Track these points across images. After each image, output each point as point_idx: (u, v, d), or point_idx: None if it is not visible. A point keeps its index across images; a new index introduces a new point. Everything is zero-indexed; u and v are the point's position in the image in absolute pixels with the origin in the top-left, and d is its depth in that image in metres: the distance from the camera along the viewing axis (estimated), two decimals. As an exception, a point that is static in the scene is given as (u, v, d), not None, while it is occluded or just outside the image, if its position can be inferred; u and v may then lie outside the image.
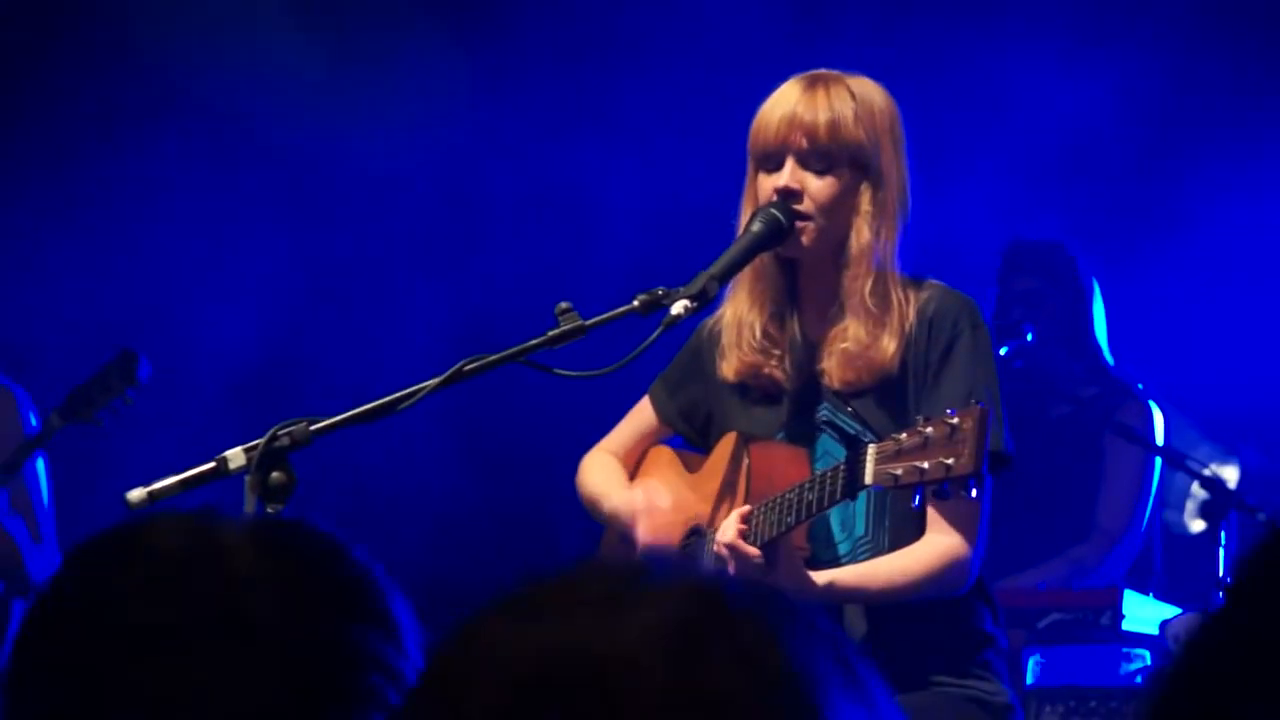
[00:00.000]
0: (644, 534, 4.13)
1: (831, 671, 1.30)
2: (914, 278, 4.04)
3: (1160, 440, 6.13)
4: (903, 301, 3.98)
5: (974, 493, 3.64)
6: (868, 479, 3.65)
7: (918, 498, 3.67)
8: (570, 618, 1.30)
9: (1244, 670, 1.25)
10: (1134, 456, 6.11)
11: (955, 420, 3.57)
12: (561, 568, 1.35)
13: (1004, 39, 6.86)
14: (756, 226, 3.97)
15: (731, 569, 3.82)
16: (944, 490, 3.60)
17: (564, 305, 3.77)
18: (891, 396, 3.97)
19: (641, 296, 3.86)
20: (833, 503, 3.73)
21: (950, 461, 3.55)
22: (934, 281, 4.06)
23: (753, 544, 3.86)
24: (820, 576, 3.86)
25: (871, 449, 3.66)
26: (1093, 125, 6.81)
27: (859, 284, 3.97)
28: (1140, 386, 6.25)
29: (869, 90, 4.04)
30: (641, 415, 4.35)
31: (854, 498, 3.75)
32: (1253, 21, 6.78)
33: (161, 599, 1.61)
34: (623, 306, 3.85)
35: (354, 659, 1.62)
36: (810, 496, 3.75)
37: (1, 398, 5.91)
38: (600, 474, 4.33)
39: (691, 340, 4.25)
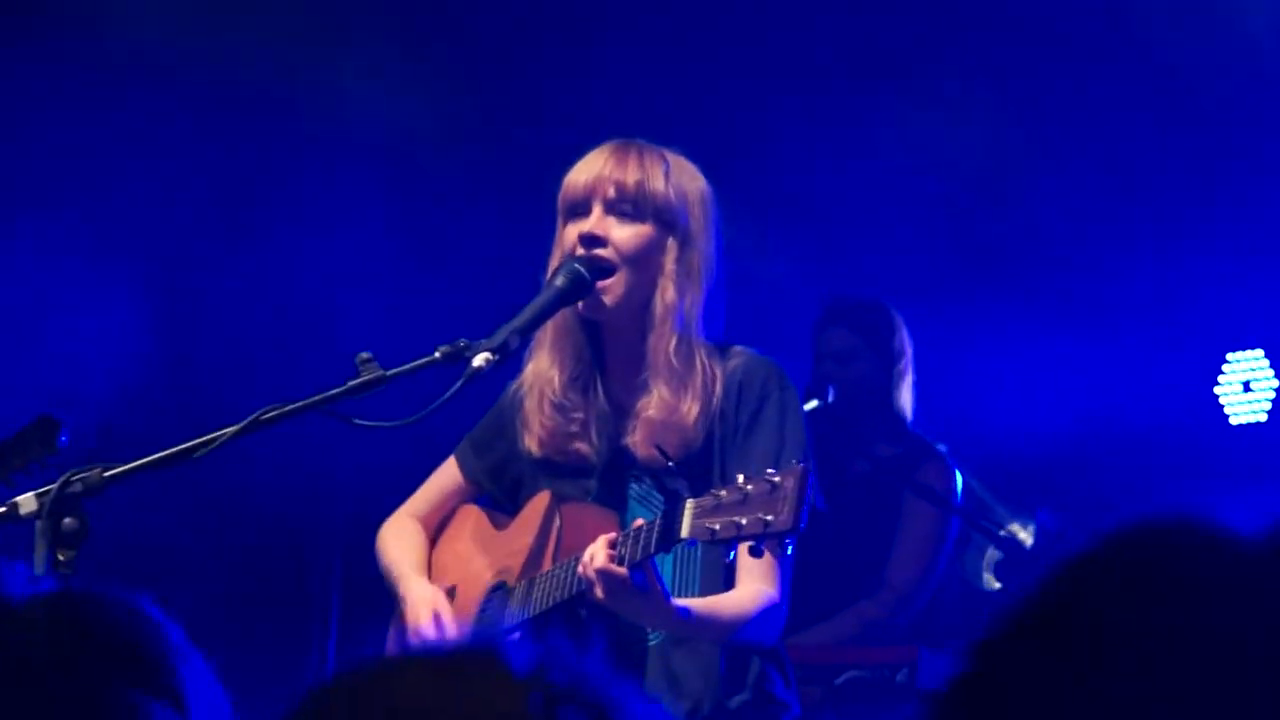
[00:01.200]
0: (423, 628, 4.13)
1: None
2: (721, 345, 4.07)
3: (959, 499, 6.20)
4: (708, 367, 4.01)
5: (789, 549, 3.68)
6: (684, 532, 3.67)
7: (732, 553, 3.69)
8: None
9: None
10: (930, 515, 6.18)
11: (777, 479, 3.60)
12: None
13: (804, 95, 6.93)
14: (559, 280, 3.99)
15: (599, 592, 3.77)
16: (758, 548, 3.63)
17: (365, 355, 3.76)
18: (697, 472, 3.99)
19: (443, 348, 3.86)
20: (647, 555, 3.74)
21: (769, 518, 3.58)
22: (741, 348, 4.09)
23: (561, 595, 3.87)
24: (677, 602, 3.85)
25: (690, 503, 3.68)
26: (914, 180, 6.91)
27: (663, 344, 3.99)
28: (942, 448, 6.32)
29: (682, 162, 4.10)
30: (447, 474, 4.34)
31: (668, 550, 3.77)
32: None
33: None
34: (424, 358, 3.85)
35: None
36: (622, 551, 3.76)
37: None
38: (398, 548, 4.31)
39: (500, 401, 4.25)
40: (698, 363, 4.00)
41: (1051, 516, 6.44)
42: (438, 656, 1.44)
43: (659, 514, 3.75)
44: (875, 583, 6.18)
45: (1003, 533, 6.07)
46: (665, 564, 3.99)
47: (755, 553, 3.65)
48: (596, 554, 3.77)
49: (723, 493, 3.65)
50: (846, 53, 6.88)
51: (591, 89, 6.82)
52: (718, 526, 3.63)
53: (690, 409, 3.98)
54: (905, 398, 6.26)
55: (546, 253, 4.12)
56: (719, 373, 4.01)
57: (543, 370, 4.10)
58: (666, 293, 4.00)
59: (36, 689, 1.58)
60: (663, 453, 3.93)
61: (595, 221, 4.01)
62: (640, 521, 3.78)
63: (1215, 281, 6.79)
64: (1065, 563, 1.38)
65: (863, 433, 6.28)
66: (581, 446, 4.08)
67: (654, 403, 3.99)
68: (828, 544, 6.06)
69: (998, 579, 6.15)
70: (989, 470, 6.53)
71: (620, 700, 1.40)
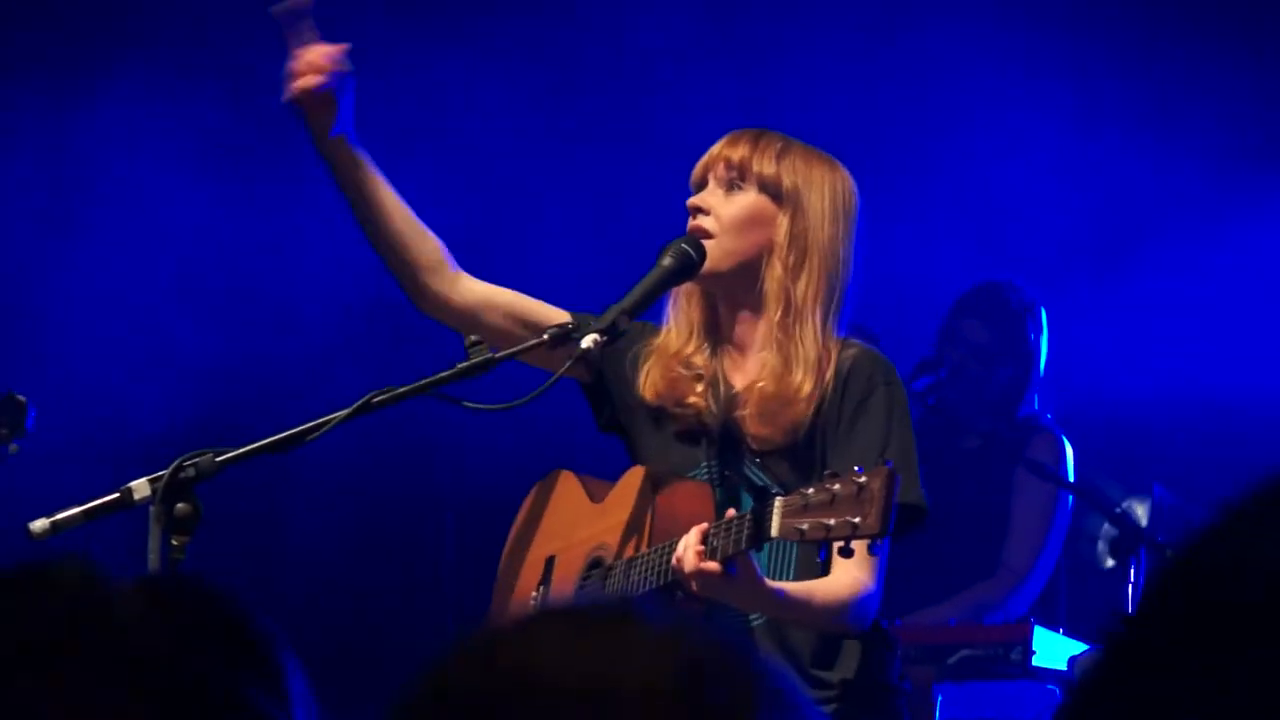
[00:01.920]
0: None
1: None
2: (838, 338, 4.05)
3: (1071, 476, 6.16)
4: (822, 349, 3.99)
5: (877, 551, 3.69)
6: (774, 532, 3.65)
7: (822, 553, 3.68)
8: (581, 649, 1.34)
9: (1143, 696, 1.26)
10: (1044, 493, 6.14)
11: (863, 479, 3.58)
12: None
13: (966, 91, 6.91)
14: (666, 260, 3.98)
15: (695, 588, 3.76)
16: (847, 549, 3.61)
17: (473, 338, 3.76)
18: (803, 454, 3.98)
19: (551, 329, 3.86)
20: (738, 550, 3.71)
21: (856, 521, 3.56)
22: (853, 340, 4.07)
23: (657, 581, 3.86)
24: (773, 585, 3.83)
25: (778, 502, 3.66)
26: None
27: (773, 317, 3.98)
28: (1048, 417, 6.27)
29: (815, 153, 4.08)
30: (551, 310, 4.14)
31: (759, 549, 3.75)
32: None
33: (47, 642, 1.59)
34: (533, 340, 3.85)
35: (238, 711, 1.61)
36: (715, 544, 3.75)
37: None
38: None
39: (630, 337, 4.11)
40: (810, 338, 3.98)
41: (1167, 492, 6.38)
42: (574, 613, 1.40)
43: (749, 510, 3.73)
44: (989, 562, 6.14)
45: (1118, 509, 6.02)
46: (760, 560, 3.98)
47: (845, 554, 3.63)
48: (689, 549, 3.76)
49: (810, 491, 3.63)
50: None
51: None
52: (806, 526, 3.61)
53: (803, 384, 3.96)
54: (1030, 396, 6.23)
55: (655, 231, 4.11)
56: (832, 358, 3.99)
57: (670, 341, 4.09)
58: (774, 268, 3.99)
59: (146, 677, 1.59)
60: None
61: (704, 195, 4.02)
62: (732, 512, 3.76)
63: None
64: (1223, 516, 1.31)
65: (974, 410, 6.24)
66: (698, 404, 4.06)
67: (765, 373, 3.98)
68: (939, 523, 6.05)
69: (1112, 556, 6.10)
70: (1103, 444, 6.48)
71: (763, 671, 1.37)
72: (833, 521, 3.57)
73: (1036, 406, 6.27)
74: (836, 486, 3.59)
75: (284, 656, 1.65)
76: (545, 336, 3.85)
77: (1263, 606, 1.24)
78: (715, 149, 4.07)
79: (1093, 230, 6.97)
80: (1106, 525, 6.18)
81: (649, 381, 4.10)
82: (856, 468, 3.62)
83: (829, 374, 3.98)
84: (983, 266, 6.60)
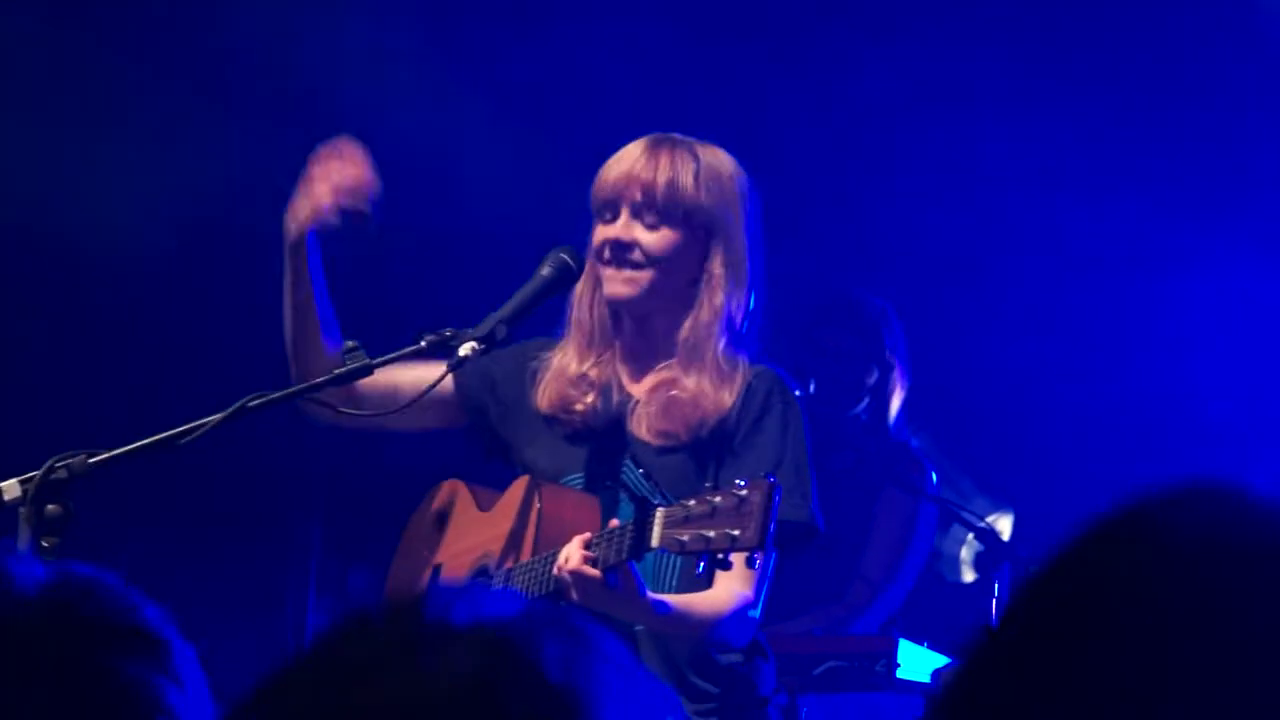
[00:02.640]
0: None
1: (626, 698, 1.33)
2: (742, 357, 4.08)
3: (935, 491, 6.20)
4: (739, 365, 4.04)
5: (756, 564, 3.72)
6: (654, 542, 3.68)
7: (701, 564, 3.69)
8: (370, 676, 1.34)
9: (1000, 705, 1.29)
10: (907, 508, 6.18)
11: (744, 492, 3.61)
12: (348, 619, 1.38)
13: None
14: (545, 270, 3.99)
15: (575, 595, 3.78)
16: (727, 561, 3.63)
17: (351, 344, 3.76)
18: (702, 456, 3.99)
19: (429, 336, 3.86)
20: (619, 560, 3.74)
21: (736, 533, 3.59)
22: (757, 364, 4.09)
23: (540, 589, 3.87)
24: (652, 596, 3.85)
25: (660, 513, 3.68)
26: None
27: (708, 345, 4.00)
28: (914, 442, 6.32)
29: (716, 156, 4.08)
30: (432, 369, 4.13)
31: (639, 558, 3.76)
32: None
33: None
34: (409, 346, 3.84)
35: (137, 699, 1.60)
36: (597, 553, 3.77)
37: None
38: None
39: (516, 348, 4.15)
40: (739, 360, 4.03)
41: (1029, 507, 6.45)
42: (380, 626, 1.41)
43: (631, 520, 3.75)
44: (848, 577, 6.18)
45: (981, 523, 6.08)
46: (646, 570, 3.99)
47: (723, 565, 3.66)
48: (572, 556, 3.79)
49: (691, 503, 3.66)
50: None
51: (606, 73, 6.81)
52: (686, 538, 3.64)
53: (725, 400, 3.99)
54: (895, 402, 6.27)
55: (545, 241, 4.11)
56: (740, 373, 4.03)
57: (569, 363, 4.11)
58: (715, 296, 4.00)
59: (47, 673, 1.58)
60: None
61: (621, 226, 4.01)
62: (615, 522, 3.78)
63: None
64: (1087, 532, 1.34)
65: (848, 428, 6.28)
66: (587, 415, 4.07)
67: (685, 386, 4.00)
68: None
69: (975, 570, 6.16)
70: (968, 457, 6.54)
71: (597, 634, 1.39)
72: (712, 533, 3.59)
73: (905, 428, 6.31)
74: (717, 499, 3.61)
75: (175, 641, 1.64)
76: (423, 343, 3.84)
77: (1117, 618, 1.28)
78: (627, 168, 4.03)
79: (959, 239, 7.02)
80: (970, 538, 6.23)
81: (544, 395, 4.11)
82: (739, 480, 3.64)
83: (738, 390, 4.00)
84: (840, 277, 6.64)
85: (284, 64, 6.69)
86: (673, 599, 3.90)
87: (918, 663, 5.77)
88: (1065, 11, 6.85)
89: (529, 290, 3.98)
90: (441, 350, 3.85)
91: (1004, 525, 6.43)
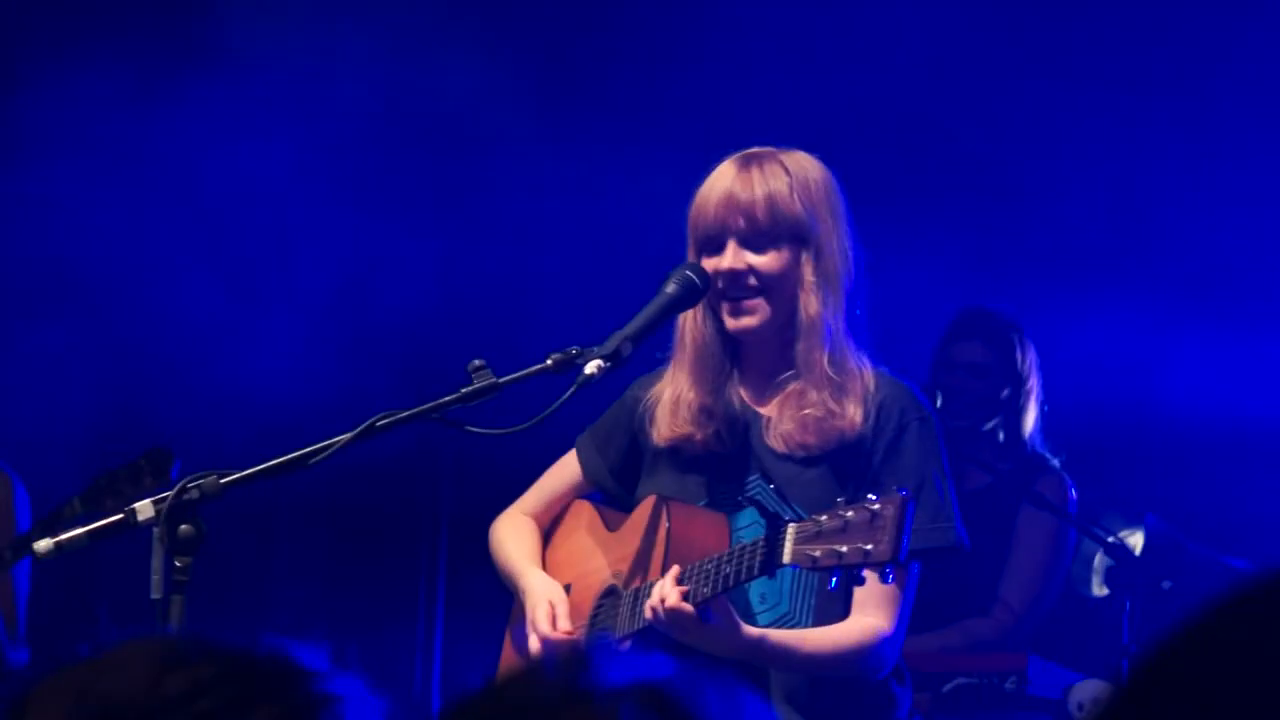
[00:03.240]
0: (534, 644, 4.10)
1: None
2: (867, 365, 4.05)
3: (1073, 509, 6.16)
4: (862, 373, 4.00)
5: (890, 579, 3.65)
6: (785, 558, 3.64)
7: (834, 580, 3.65)
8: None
9: None
10: (1046, 528, 6.14)
11: (876, 506, 3.56)
12: (501, 682, 1.41)
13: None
14: (671, 288, 3.98)
15: (665, 629, 3.79)
16: (860, 577, 3.60)
17: (477, 362, 3.77)
18: (844, 466, 3.97)
19: (555, 355, 3.86)
20: (750, 577, 3.72)
21: (869, 548, 3.54)
22: (879, 369, 4.06)
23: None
24: (753, 631, 3.84)
25: (791, 529, 3.65)
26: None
27: (817, 355, 3.97)
28: (1055, 462, 6.28)
29: (803, 163, 4.06)
30: (565, 469, 4.34)
31: (771, 575, 3.74)
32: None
33: None
34: (536, 365, 3.85)
35: None
36: (728, 570, 3.74)
37: (1, 485, 5.86)
38: (514, 543, 4.30)
39: (623, 398, 4.24)
40: (853, 367, 3.99)
41: (1160, 521, 6.39)
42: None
43: (763, 537, 3.72)
44: (988, 597, 6.14)
45: (1112, 539, 6.03)
46: (783, 589, 3.98)
47: (856, 581, 3.62)
48: (666, 594, 3.79)
49: (824, 518, 3.61)
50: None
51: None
52: (818, 554, 3.60)
53: (854, 413, 3.95)
54: (1030, 418, 6.23)
55: (665, 257, 4.11)
56: (869, 380, 4.00)
57: (681, 392, 4.09)
58: (809, 305, 3.97)
59: None
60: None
61: (732, 257, 3.99)
62: (734, 543, 3.78)
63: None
64: (1234, 595, 1.31)
65: (983, 446, 6.25)
66: (710, 442, 4.07)
67: (811, 401, 3.97)
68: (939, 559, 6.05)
69: (1107, 586, 6.10)
70: (1096, 472, 6.48)
71: (689, 693, 1.39)
72: (845, 548, 3.56)
73: (1042, 445, 6.27)
74: (850, 513, 3.58)
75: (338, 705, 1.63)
76: (549, 362, 3.85)
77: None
78: (725, 191, 4.01)
79: (1080, 245, 6.97)
80: (1100, 554, 6.18)
81: (661, 428, 4.11)
82: (870, 495, 3.61)
83: (870, 397, 3.98)
84: (967, 290, 6.61)
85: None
86: (776, 634, 3.88)
87: (1049, 680, 5.73)
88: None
89: (654, 308, 3.97)
90: (568, 368, 3.85)
91: (1136, 541, 6.36)
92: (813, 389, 3.97)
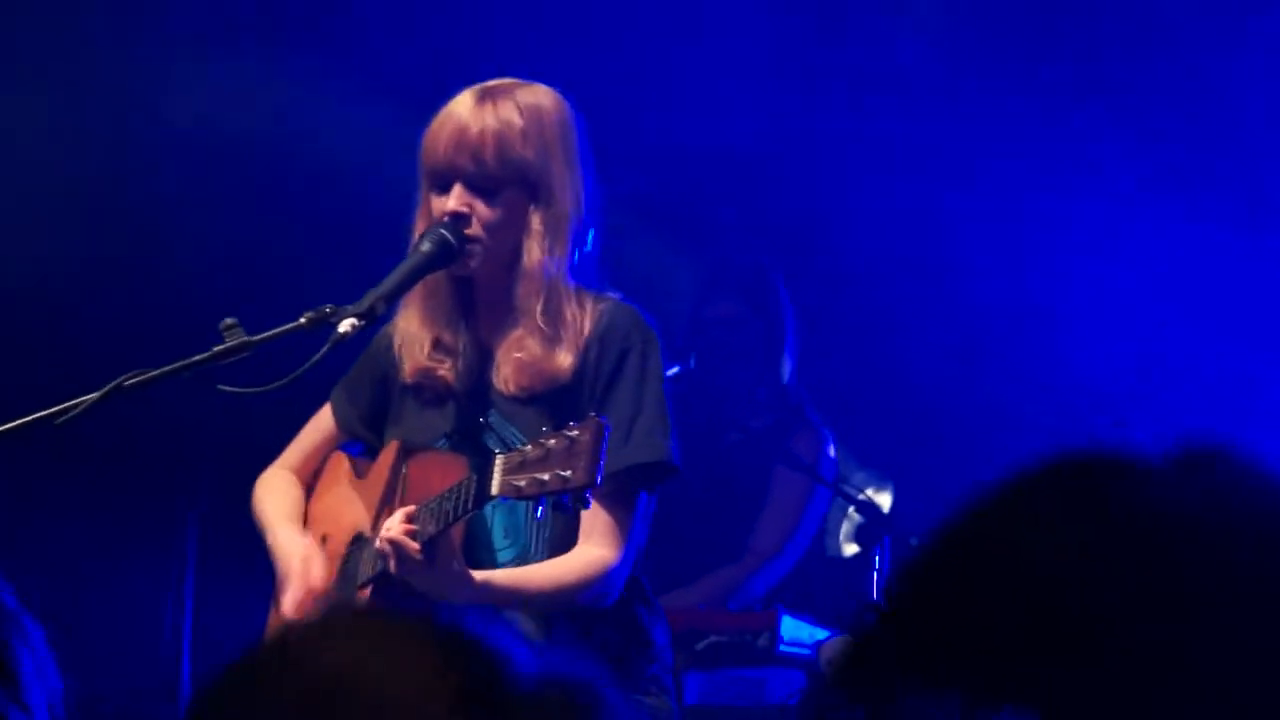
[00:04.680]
0: (287, 603, 4.09)
1: None
2: (592, 290, 4.08)
3: (828, 469, 6.24)
4: (577, 316, 4.02)
5: (588, 504, 3.70)
6: (494, 489, 3.70)
7: (539, 509, 3.73)
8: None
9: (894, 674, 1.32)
10: (798, 484, 6.22)
11: (575, 433, 3.63)
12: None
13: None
14: (425, 246, 3.99)
15: (393, 566, 3.82)
16: (563, 502, 3.66)
17: (229, 321, 3.76)
18: (561, 405, 4.00)
19: (309, 314, 3.86)
20: (466, 512, 3.77)
21: (567, 474, 3.61)
22: (611, 295, 4.10)
23: (417, 541, 3.87)
24: (478, 575, 3.88)
25: (499, 460, 3.71)
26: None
27: (531, 302, 4.01)
28: (812, 414, 6.35)
29: (540, 99, 4.06)
30: (321, 422, 4.35)
31: (481, 508, 3.79)
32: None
33: None
34: (289, 323, 3.84)
35: None
36: (448, 506, 3.80)
37: None
38: (269, 502, 4.30)
39: (371, 344, 4.25)
40: (567, 314, 4.01)
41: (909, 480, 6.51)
42: (368, 620, 1.44)
43: (471, 475, 3.77)
44: (741, 551, 6.22)
45: (861, 497, 6.13)
46: (520, 524, 4.01)
47: (560, 508, 3.70)
48: (392, 526, 3.84)
49: (528, 448, 3.68)
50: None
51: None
52: (523, 483, 3.66)
53: (562, 360, 4.00)
54: (785, 367, 6.30)
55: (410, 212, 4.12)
56: (587, 317, 4.03)
57: (413, 329, 4.12)
58: (532, 252, 4.01)
59: None
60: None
61: (457, 199, 4.00)
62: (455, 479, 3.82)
63: None
64: (980, 501, 1.38)
65: (740, 402, 6.31)
66: (447, 375, 4.10)
67: (524, 346, 4.01)
68: (696, 512, 6.11)
69: (856, 543, 6.20)
70: (847, 435, 6.57)
71: (593, 692, 1.40)
72: (546, 476, 3.63)
73: (804, 396, 6.34)
74: (551, 442, 3.64)
75: (14, 635, 1.60)
76: (303, 320, 3.84)
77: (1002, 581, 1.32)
78: (456, 127, 4.01)
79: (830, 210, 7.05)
80: (850, 512, 6.28)
81: (406, 369, 4.13)
82: (571, 423, 3.67)
83: (585, 335, 4.02)
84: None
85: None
86: (499, 575, 3.93)
87: (801, 636, 5.81)
88: None
89: (408, 266, 3.98)
90: (321, 326, 3.84)
91: (884, 499, 6.48)
92: (527, 335, 4.01)
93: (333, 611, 1.46)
